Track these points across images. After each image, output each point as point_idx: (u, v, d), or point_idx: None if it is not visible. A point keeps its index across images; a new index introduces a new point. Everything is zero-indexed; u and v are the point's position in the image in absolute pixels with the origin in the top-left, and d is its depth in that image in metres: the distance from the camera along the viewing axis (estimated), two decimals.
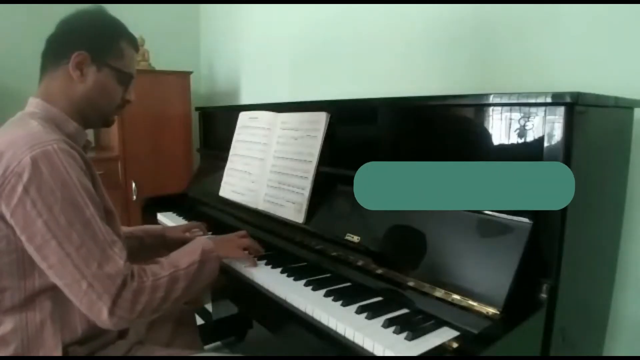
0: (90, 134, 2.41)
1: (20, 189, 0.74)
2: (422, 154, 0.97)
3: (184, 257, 0.91)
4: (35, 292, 0.81)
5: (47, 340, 0.82)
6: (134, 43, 0.97)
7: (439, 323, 0.78)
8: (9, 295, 0.81)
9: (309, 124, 1.21)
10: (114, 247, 0.79)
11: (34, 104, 0.89)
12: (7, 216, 0.76)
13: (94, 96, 0.91)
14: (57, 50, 0.90)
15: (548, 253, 0.76)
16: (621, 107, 0.91)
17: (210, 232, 1.41)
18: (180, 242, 1.21)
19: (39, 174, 0.75)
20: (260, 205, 1.31)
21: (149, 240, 1.26)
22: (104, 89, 0.92)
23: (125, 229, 1.22)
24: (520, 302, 0.73)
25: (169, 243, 1.27)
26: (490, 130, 0.83)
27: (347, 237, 1.02)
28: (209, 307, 2.34)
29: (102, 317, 0.76)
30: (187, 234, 1.30)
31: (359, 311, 0.83)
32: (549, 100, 0.73)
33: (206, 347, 1.84)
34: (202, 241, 0.98)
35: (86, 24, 0.91)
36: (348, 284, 0.98)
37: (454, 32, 1.31)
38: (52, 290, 0.81)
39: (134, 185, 2.15)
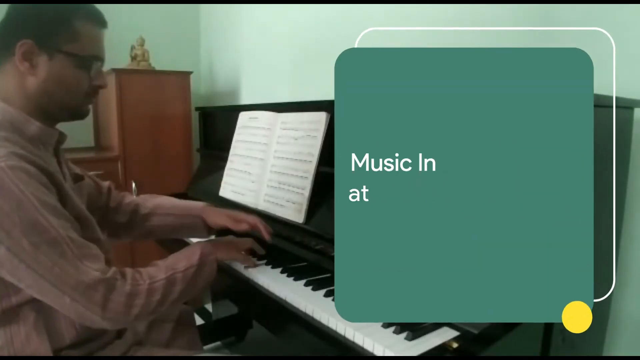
0: (90, 133, 2.44)
1: None
2: None
3: (182, 260, 0.90)
4: (14, 307, 0.78)
5: (35, 350, 0.79)
6: (95, 18, 0.84)
7: (439, 323, 0.78)
8: None
9: (309, 124, 1.21)
10: (88, 258, 0.75)
11: None
12: None
13: (50, 89, 0.81)
14: (4, 40, 0.80)
15: None
16: (621, 107, 0.91)
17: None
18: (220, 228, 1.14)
19: None
20: (260, 205, 1.31)
21: (186, 220, 1.15)
22: (61, 79, 0.81)
23: (158, 200, 1.17)
24: None
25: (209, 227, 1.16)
26: None
27: None
28: (209, 307, 2.34)
29: (96, 323, 0.75)
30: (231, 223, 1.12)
31: None
32: None
33: (206, 347, 1.84)
34: (201, 244, 0.97)
35: (29, 7, 0.80)
36: None
37: (453, 32, 1.31)
38: (33, 302, 0.78)
39: (134, 185, 2.14)
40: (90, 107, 0.91)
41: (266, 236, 1.10)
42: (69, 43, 0.80)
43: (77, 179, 1.02)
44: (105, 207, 1.13)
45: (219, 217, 1.12)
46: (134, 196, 1.21)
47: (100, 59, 0.86)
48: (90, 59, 0.84)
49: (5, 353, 0.79)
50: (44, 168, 0.76)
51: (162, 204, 1.18)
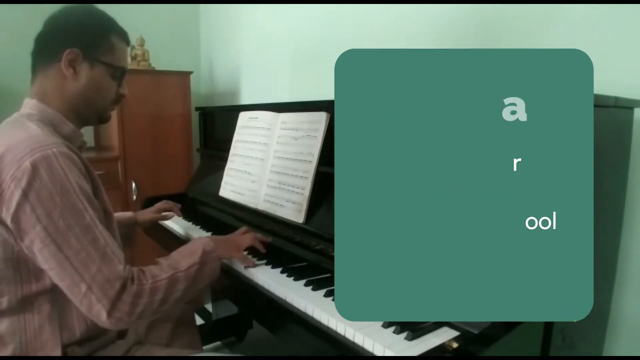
0: (90, 134, 2.44)
1: (19, 193, 0.74)
2: None
3: (184, 259, 0.91)
4: (33, 295, 0.81)
5: (46, 341, 0.82)
6: (124, 37, 0.96)
7: (439, 323, 0.78)
8: (5, 300, 0.81)
9: (309, 124, 1.21)
10: (114, 251, 0.79)
11: (29, 105, 0.89)
12: (8, 221, 0.76)
13: (88, 93, 0.91)
14: (47, 48, 0.89)
15: None
16: (621, 107, 0.91)
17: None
18: (150, 224, 1.41)
19: (39, 179, 0.74)
20: (260, 205, 1.31)
21: (122, 230, 1.24)
22: (98, 86, 0.92)
23: None
24: None
25: (141, 226, 1.38)
26: None
27: None
28: (209, 307, 2.34)
29: (101, 318, 0.76)
30: (158, 215, 1.40)
31: None
32: None
33: (206, 347, 1.84)
34: (203, 241, 0.97)
35: (75, 20, 0.90)
36: None
37: (453, 32, 1.31)
38: (51, 293, 0.82)
39: (134, 185, 2.15)
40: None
41: (176, 211, 1.45)
42: (107, 55, 0.92)
43: None
44: None
45: (145, 214, 1.38)
46: None
47: (126, 71, 0.98)
48: (121, 70, 0.95)
49: (16, 339, 0.81)
50: (84, 160, 0.84)
51: None
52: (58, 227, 0.75)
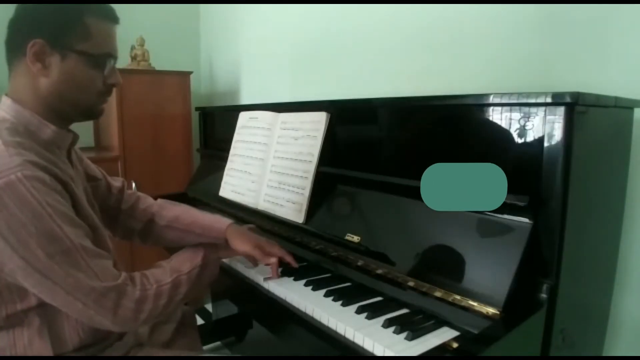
0: (90, 133, 2.44)
1: None
2: (421, 154, 0.97)
3: (186, 262, 0.90)
4: (19, 313, 0.78)
5: (37, 354, 0.80)
6: (107, 15, 0.81)
7: (439, 323, 0.79)
8: None
9: (309, 124, 1.21)
10: (101, 266, 0.75)
11: (5, 106, 0.79)
12: None
13: (63, 89, 0.79)
14: (15, 39, 0.78)
15: (548, 253, 0.76)
16: (621, 107, 0.90)
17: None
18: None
19: (5, 209, 0.68)
20: (260, 205, 1.31)
21: (209, 240, 1.02)
22: (74, 79, 0.79)
23: (176, 212, 1.04)
24: (520, 302, 0.73)
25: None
26: (490, 130, 0.83)
27: (347, 237, 1.02)
28: (209, 307, 2.34)
29: (106, 325, 0.76)
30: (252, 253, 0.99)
31: (359, 311, 0.83)
32: (549, 100, 0.73)
33: (206, 347, 1.84)
34: (204, 243, 0.97)
35: (39, 6, 0.77)
36: (348, 284, 0.98)
37: (455, 32, 1.31)
38: (38, 309, 0.79)
39: (134, 185, 2.14)
40: (104, 106, 0.87)
41: (294, 264, 1.02)
42: (81, 42, 0.78)
43: (92, 179, 1.01)
44: (117, 209, 1.08)
45: (245, 245, 0.98)
46: (149, 199, 1.13)
47: (113, 56, 0.83)
48: (103, 57, 0.81)
49: (6, 355, 0.79)
50: (58, 176, 0.75)
51: (180, 217, 1.04)
52: (38, 257, 0.69)
